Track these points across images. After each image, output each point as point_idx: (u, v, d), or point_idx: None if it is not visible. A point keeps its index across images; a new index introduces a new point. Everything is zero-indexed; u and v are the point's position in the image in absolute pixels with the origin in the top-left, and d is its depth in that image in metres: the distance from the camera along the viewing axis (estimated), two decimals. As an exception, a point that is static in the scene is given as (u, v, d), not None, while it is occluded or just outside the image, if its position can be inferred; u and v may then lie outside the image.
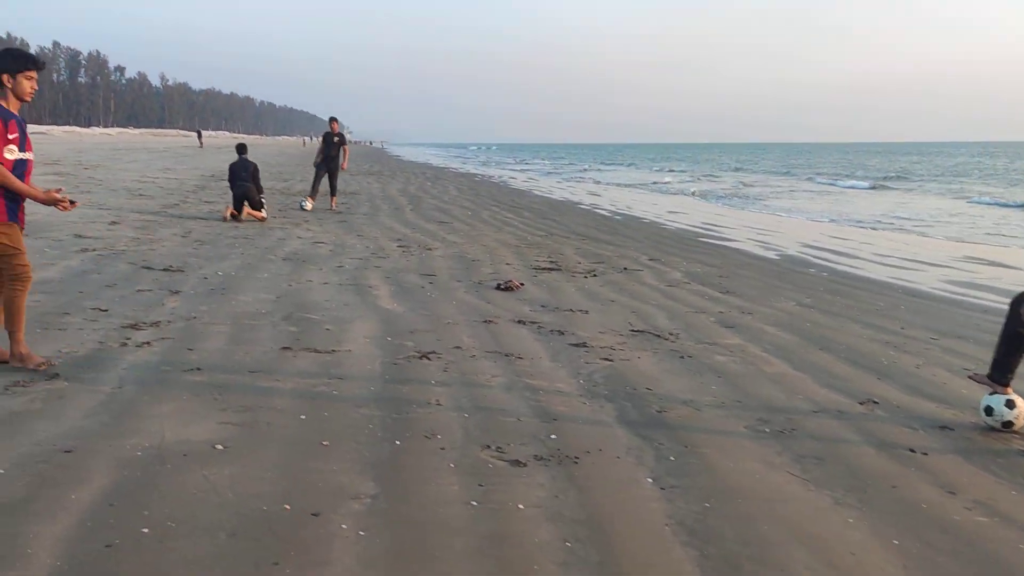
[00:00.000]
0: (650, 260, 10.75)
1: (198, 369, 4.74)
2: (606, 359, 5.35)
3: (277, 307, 6.62)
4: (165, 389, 4.32)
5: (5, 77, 4.29)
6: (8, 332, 4.51)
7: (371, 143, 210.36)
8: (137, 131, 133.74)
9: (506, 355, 5.39)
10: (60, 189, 4.54)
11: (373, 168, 40.35)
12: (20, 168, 4.35)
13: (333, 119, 16.72)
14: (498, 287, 8.06)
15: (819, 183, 40.47)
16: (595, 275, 9.20)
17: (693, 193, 31.46)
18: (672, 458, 3.63)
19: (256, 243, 10.55)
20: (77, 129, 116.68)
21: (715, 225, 17.53)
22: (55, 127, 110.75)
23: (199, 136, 67.04)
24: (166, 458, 3.40)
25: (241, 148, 14.12)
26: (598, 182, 38.89)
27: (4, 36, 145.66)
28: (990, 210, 23.79)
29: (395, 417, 4.05)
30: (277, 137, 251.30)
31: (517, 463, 3.51)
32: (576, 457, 3.59)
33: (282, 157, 50.60)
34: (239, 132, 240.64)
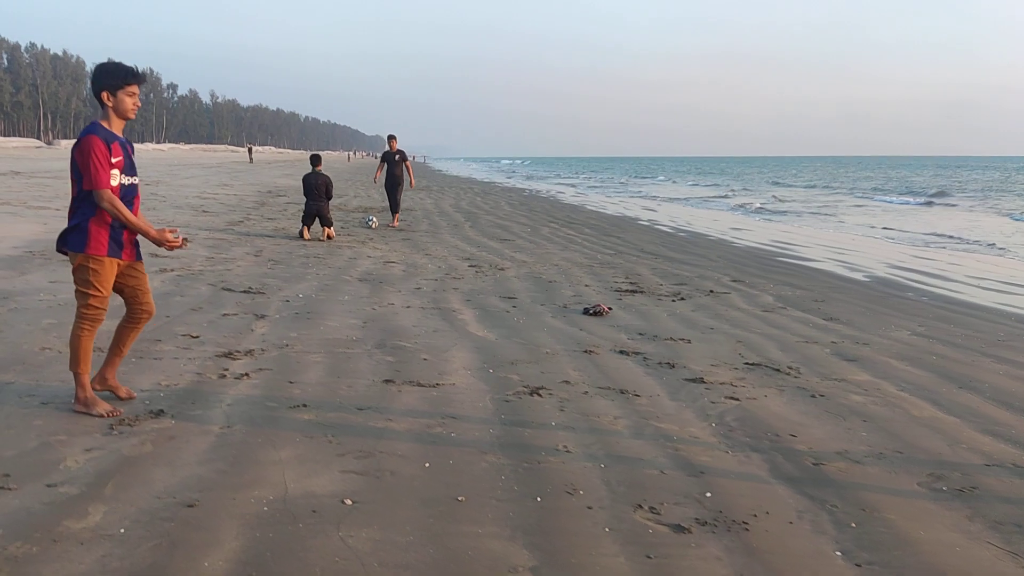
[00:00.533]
0: (733, 281, 10.29)
1: (304, 406, 4.45)
2: (731, 398, 4.94)
3: (367, 333, 6.34)
4: (276, 429, 4.04)
5: (105, 95, 3.90)
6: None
7: (413, 157, 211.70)
8: (188, 147, 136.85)
9: (621, 392, 5.01)
10: (174, 229, 4.24)
11: (422, 183, 40.32)
12: (126, 195, 3.99)
13: (392, 137, 16.56)
14: (586, 312, 7.70)
15: (859, 196, 39.58)
16: (682, 298, 8.78)
17: (743, 206, 30.85)
18: (853, 525, 3.21)
19: (328, 263, 10.35)
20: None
21: (785, 243, 16.94)
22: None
23: (250, 152, 67.97)
24: (296, 515, 3.09)
25: (315, 159, 13.52)
26: (654, 197, 38.32)
27: (60, 54, 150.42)
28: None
29: (526, 467, 3.71)
30: (321, 152, 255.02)
31: (680, 529, 3.13)
32: (744, 522, 3.20)
33: (330, 172, 50.96)
34: (284, 147, 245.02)
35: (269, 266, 9.76)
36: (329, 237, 12.89)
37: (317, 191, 12.92)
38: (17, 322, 6.10)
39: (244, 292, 7.90)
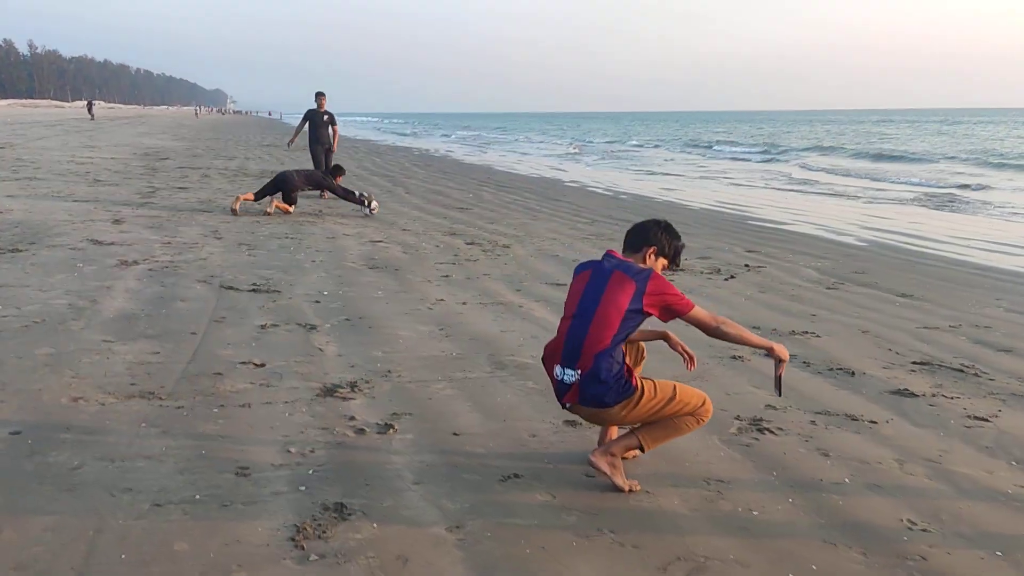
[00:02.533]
0: (748, 252, 9.64)
1: (516, 476, 3.25)
2: (976, 418, 4.15)
3: (464, 347, 5.09)
4: (526, 526, 2.84)
5: (652, 251, 3.29)
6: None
7: (255, 113, 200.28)
8: (4, 102, 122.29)
9: (848, 418, 4.12)
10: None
11: (301, 143, 37.61)
12: None
13: (320, 94, 14.74)
14: (661, 300, 6.73)
15: (695, 151, 41.22)
16: (732, 276, 8.01)
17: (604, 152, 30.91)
18: None
19: (308, 244, 8.78)
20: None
21: (730, 203, 16.63)
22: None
23: (90, 108, 60.97)
24: None
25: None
26: (544, 156, 37.68)
27: None
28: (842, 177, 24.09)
29: (912, 566, 2.73)
30: (160, 107, 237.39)
31: None
32: None
33: (190, 131, 46.97)
34: (116, 102, 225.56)
35: (246, 252, 8.08)
36: (286, 211, 11.19)
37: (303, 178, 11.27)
38: (2, 356, 4.40)
39: (252, 291, 6.34)
